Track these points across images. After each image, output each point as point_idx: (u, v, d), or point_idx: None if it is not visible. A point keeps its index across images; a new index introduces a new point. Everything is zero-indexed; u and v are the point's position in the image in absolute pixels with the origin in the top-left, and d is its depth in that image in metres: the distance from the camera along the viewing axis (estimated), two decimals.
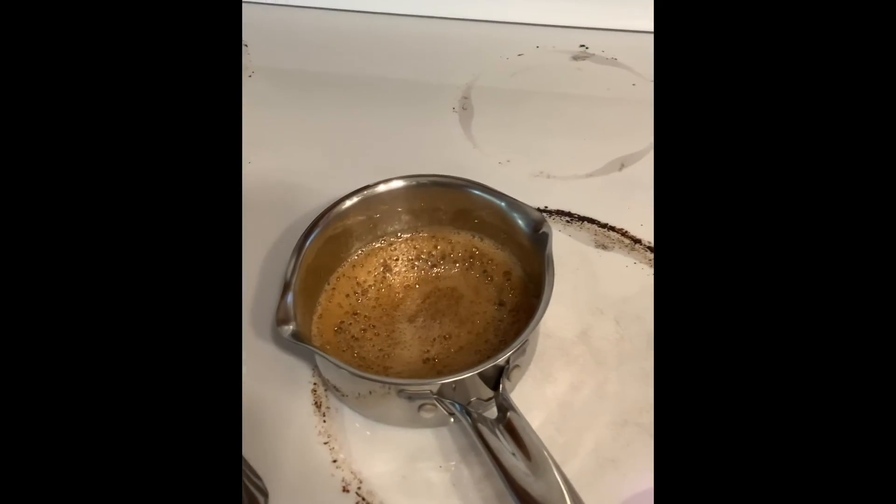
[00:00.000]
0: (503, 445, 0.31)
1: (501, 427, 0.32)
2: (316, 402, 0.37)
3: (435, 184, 0.40)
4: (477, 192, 0.40)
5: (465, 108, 0.54)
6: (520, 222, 0.39)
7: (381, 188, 0.40)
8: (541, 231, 0.38)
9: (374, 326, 0.38)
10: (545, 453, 0.30)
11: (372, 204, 0.40)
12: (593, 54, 0.58)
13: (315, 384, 0.38)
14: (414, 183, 0.40)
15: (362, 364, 0.37)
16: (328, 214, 0.39)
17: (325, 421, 0.36)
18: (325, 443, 0.36)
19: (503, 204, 0.39)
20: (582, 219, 0.46)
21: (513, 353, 0.33)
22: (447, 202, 0.40)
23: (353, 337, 0.38)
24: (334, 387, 0.37)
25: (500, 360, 0.33)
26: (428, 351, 0.37)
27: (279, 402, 0.37)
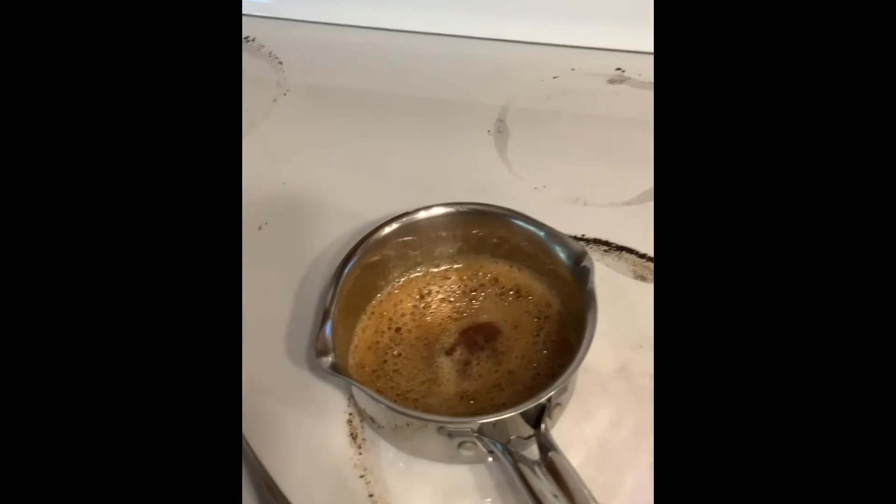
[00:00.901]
0: (545, 487, 0.31)
1: (543, 468, 0.31)
2: (352, 434, 0.37)
3: (475, 212, 0.39)
4: (517, 221, 0.39)
5: (500, 130, 0.54)
6: (560, 255, 0.38)
7: (422, 215, 0.39)
8: (582, 264, 0.37)
9: (411, 359, 0.38)
10: (590, 500, 0.29)
11: (411, 231, 0.39)
12: (630, 78, 0.58)
13: (350, 414, 0.37)
14: (454, 210, 0.40)
15: (399, 397, 0.36)
16: (367, 241, 0.38)
17: (360, 453, 0.36)
18: (361, 476, 0.35)
19: (543, 234, 0.39)
20: (620, 248, 0.45)
21: (555, 391, 0.32)
22: (487, 231, 0.40)
23: (393, 370, 0.37)
24: (370, 418, 0.36)
25: (543, 398, 0.32)
26: (465, 386, 0.37)
27: (314, 432, 0.37)
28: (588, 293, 0.36)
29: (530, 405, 0.32)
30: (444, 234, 0.40)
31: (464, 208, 0.40)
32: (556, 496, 0.30)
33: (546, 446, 0.32)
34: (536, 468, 0.32)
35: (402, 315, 0.40)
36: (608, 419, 0.37)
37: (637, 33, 0.59)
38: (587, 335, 0.34)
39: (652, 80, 0.57)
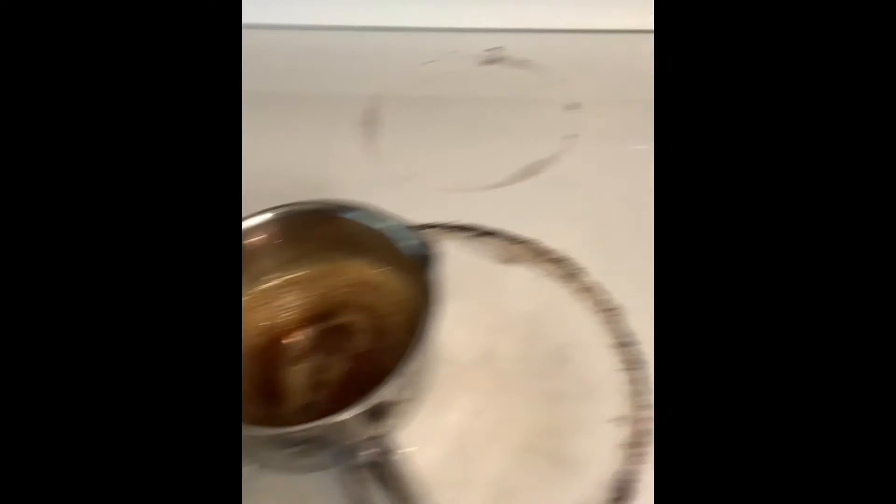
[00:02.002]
0: (380, 493, 0.29)
1: (383, 473, 0.30)
2: None
3: (310, 212, 0.38)
4: (354, 216, 0.37)
5: (370, 122, 0.52)
6: (404, 246, 0.36)
7: (252, 222, 0.37)
8: (423, 254, 0.35)
9: (254, 377, 0.36)
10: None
11: (244, 241, 0.37)
12: (504, 57, 0.56)
13: None
14: (284, 213, 0.38)
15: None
16: None
17: None
18: None
19: (384, 226, 0.37)
20: (487, 233, 0.44)
21: (388, 389, 0.31)
22: (327, 231, 0.38)
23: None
24: None
25: (374, 400, 0.30)
26: (315, 394, 0.35)
27: None
28: (426, 283, 0.34)
29: (361, 409, 0.30)
30: (282, 238, 0.38)
31: (296, 209, 0.38)
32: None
33: (384, 449, 0.31)
34: (376, 473, 0.30)
35: (247, 332, 0.37)
36: (469, 409, 0.36)
37: (510, 11, 0.58)
38: (420, 330, 0.32)
39: (527, 58, 0.56)
